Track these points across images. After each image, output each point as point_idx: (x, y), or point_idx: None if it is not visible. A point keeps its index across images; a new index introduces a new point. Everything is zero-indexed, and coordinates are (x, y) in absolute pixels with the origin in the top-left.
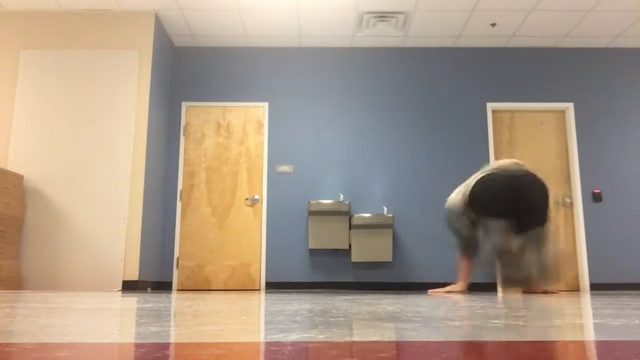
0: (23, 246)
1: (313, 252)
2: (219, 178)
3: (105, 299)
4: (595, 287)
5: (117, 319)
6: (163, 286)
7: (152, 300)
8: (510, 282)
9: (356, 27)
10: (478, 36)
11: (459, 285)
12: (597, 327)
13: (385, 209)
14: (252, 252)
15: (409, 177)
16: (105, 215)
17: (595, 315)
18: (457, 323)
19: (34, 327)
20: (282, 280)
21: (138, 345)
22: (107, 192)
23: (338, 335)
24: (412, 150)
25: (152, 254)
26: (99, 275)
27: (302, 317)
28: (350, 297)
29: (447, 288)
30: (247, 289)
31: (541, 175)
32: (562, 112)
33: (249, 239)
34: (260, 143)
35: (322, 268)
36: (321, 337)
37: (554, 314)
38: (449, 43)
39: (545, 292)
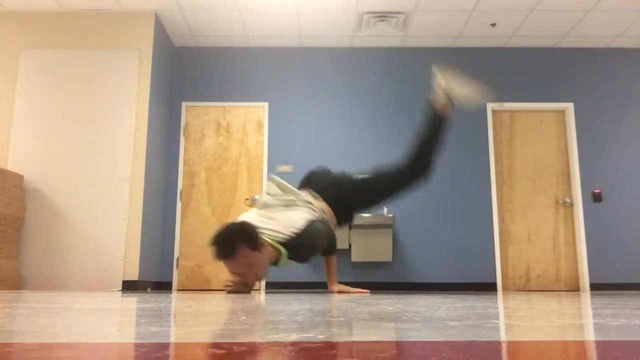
0: (23, 246)
1: None
2: (219, 178)
3: (105, 299)
4: (595, 287)
5: (117, 319)
6: (163, 286)
7: (152, 300)
8: None
9: (356, 27)
10: (478, 36)
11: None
12: (597, 327)
13: (385, 209)
14: None
15: None
16: (105, 215)
17: (595, 315)
18: (457, 323)
19: (34, 327)
20: (282, 280)
21: (138, 345)
22: (107, 192)
23: (338, 335)
24: None
25: (152, 254)
26: (99, 275)
27: (302, 317)
28: (351, 297)
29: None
30: None
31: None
32: (562, 112)
33: None
34: (260, 143)
35: (322, 268)
36: (321, 337)
37: (554, 314)
38: (449, 43)
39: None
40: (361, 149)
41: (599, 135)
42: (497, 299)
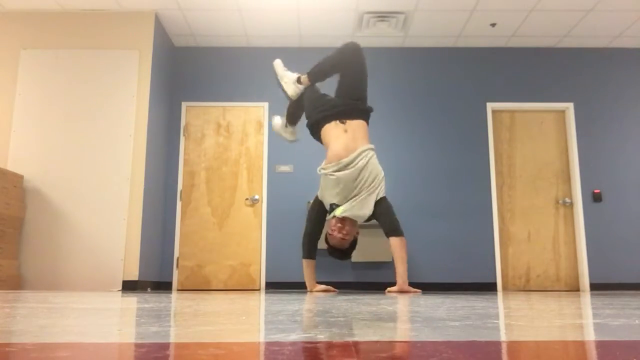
0: (23, 246)
1: None
2: (219, 178)
3: (105, 299)
4: (595, 287)
5: (117, 319)
6: (163, 286)
7: (152, 300)
8: None
9: (356, 27)
10: (478, 36)
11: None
12: (597, 327)
13: None
14: (252, 252)
15: (408, 177)
16: (105, 215)
17: (595, 315)
18: (457, 323)
19: (34, 327)
20: (282, 280)
21: (138, 345)
22: (107, 192)
23: (338, 335)
24: (411, 150)
25: (152, 254)
26: (99, 275)
27: (302, 317)
28: (350, 297)
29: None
30: (247, 289)
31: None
32: (562, 112)
33: (249, 239)
34: (260, 143)
35: (322, 268)
36: (321, 337)
37: (554, 314)
38: (449, 43)
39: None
40: None
41: (599, 135)
42: (497, 299)
